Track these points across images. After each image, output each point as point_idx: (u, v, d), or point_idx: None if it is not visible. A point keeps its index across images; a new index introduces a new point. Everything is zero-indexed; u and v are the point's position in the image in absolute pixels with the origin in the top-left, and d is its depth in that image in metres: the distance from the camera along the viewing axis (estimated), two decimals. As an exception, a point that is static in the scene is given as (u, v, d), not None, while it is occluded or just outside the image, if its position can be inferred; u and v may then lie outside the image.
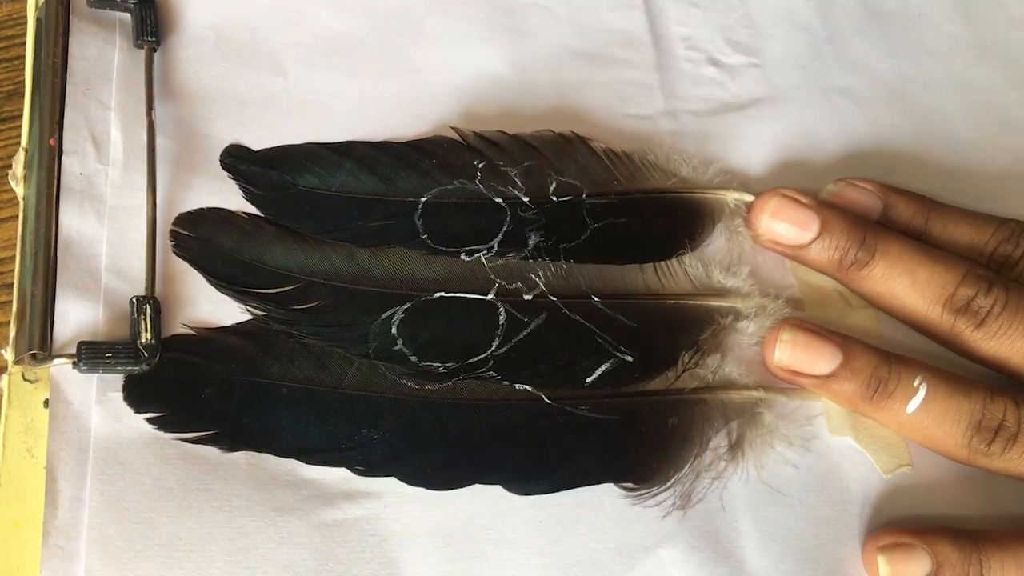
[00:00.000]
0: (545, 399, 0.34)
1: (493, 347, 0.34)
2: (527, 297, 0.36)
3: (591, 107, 0.41)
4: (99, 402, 0.32)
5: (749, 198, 0.39)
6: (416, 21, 0.42)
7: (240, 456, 0.32)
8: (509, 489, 0.33)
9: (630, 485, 0.33)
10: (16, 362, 0.32)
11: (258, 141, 0.38)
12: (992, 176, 0.43)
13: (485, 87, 0.41)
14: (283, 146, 0.38)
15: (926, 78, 0.45)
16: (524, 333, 0.35)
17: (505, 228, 0.37)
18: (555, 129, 0.40)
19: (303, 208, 0.36)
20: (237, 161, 0.37)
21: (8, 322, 0.32)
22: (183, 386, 0.32)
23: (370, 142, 0.38)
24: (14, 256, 0.34)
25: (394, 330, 0.34)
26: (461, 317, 0.35)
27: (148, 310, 0.33)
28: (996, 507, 0.35)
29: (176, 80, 0.38)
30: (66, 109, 0.36)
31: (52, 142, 0.35)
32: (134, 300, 0.33)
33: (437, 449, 0.33)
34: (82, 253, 0.34)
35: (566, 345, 0.35)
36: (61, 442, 0.31)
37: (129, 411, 0.32)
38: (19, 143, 0.35)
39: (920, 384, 0.34)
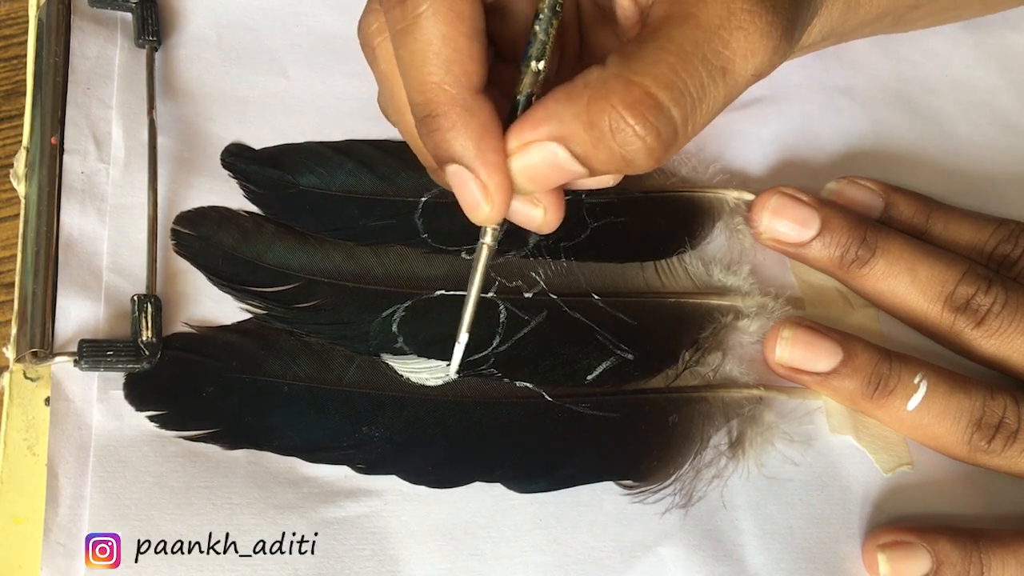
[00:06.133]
0: (546, 396, 0.34)
1: (494, 345, 0.34)
2: (527, 295, 0.36)
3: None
4: (100, 400, 0.32)
5: (749, 197, 0.39)
6: (416, 21, 0.42)
7: (241, 454, 0.32)
8: (510, 487, 0.33)
9: (630, 483, 0.33)
10: (17, 360, 0.32)
11: (259, 140, 0.38)
12: (990, 176, 0.43)
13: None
14: (284, 145, 0.38)
15: (925, 78, 0.45)
16: (525, 331, 0.35)
17: (505, 226, 0.37)
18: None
19: (304, 207, 0.36)
20: (238, 160, 0.37)
21: (9, 320, 0.32)
22: (184, 384, 0.32)
23: (371, 141, 0.38)
24: (15, 255, 0.34)
25: (395, 328, 0.34)
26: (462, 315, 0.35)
27: (149, 308, 0.33)
28: (996, 505, 0.35)
29: (177, 79, 0.38)
30: (67, 108, 0.36)
31: (53, 141, 0.35)
32: (135, 298, 0.33)
33: (438, 447, 0.33)
34: (83, 251, 0.34)
35: (567, 343, 0.35)
36: (62, 440, 0.31)
37: (130, 409, 0.32)
38: (19, 142, 0.36)
39: (920, 381, 0.34)
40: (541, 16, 0.27)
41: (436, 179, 0.31)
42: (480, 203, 0.28)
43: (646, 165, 0.27)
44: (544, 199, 0.29)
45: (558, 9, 0.27)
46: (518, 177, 0.28)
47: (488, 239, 0.30)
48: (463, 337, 0.32)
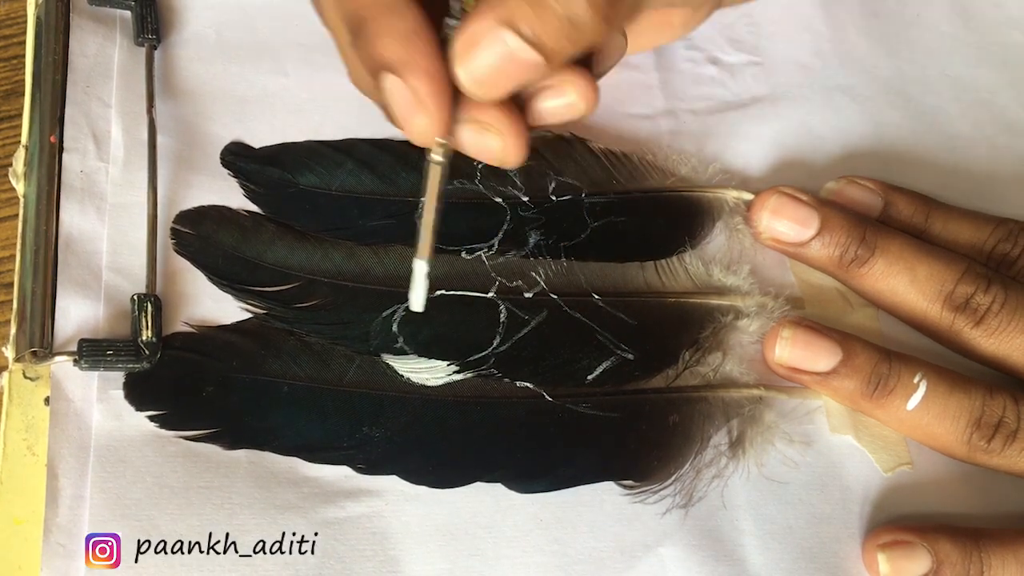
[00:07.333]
0: (546, 396, 0.34)
1: (494, 345, 0.34)
2: (528, 295, 0.36)
3: (591, 106, 0.41)
4: (100, 400, 0.32)
5: (749, 196, 0.39)
6: (416, 20, 0.42)
7: (241, 454, 0.32)
8: (510, 487, 0.33)
9: (631, 483, 0.33)
10: (17, 360, 0.32)
11: (259, 139, 0.38)
12: (990, 175, 0.43)
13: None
14: (284, 144, 0.38)
15: (925, 78, 0.45)
16: (525, 331, 0.35)
17: (505, 227, 0.37)
18: (554, 130, 0.40)
19: (304, 206, 0.36)
20: (238, 159, 0.37)
21: (9, 320, 0.32)
22: (184, 384, 0.32)
23: (371, 140, 0.38)
24: (15, 254, 0.34)
25: (395, 328, 0.34)
26: (462, 315, 0.35)
27: (149, 308, 0.33)
28: (996, 505, 0.35)
29: (177, 78, 0.38)
30: (67, 106, 0.36)
31: (53, 139, 0.35)
32: (135, 298, 0.33)
33: (438, 447, 0.33)
34: (83, 251, 0.34)
35: (567, 343, 0.35)
36: (62, 440, 0.31)
37: (130, 409, 0.32)
38: (18, 142, 0.35)
39: (920, 381, 0.34)
40: None
41: (376, 101, 0.29)
42: (414, 112, 0.26)
43: (594, 23, 0.26)
44: (499, 123, 0.28)
45: None
46: (471, 84, 0.26)
47: (439, 156, 0.28)
48: (420, 265, 0.29)
